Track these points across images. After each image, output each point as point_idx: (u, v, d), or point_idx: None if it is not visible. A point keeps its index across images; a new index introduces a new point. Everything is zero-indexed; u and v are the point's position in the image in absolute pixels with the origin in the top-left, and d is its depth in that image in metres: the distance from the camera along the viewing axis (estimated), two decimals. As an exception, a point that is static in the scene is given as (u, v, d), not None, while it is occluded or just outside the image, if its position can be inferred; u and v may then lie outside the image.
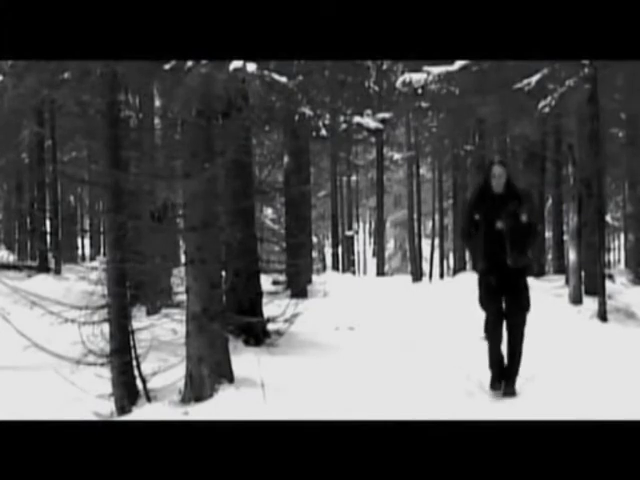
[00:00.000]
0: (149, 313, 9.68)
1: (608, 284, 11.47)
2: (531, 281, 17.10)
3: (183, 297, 6.48)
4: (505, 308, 5.86)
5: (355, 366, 7.20)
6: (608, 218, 28.53)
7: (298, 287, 12.81)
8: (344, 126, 19.03)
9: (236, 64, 5.45)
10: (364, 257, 40.30)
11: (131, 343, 6.72)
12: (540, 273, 17.58)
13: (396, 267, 38.02)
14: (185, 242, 6.57)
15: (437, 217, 28.11)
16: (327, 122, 16.70)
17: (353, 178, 34.24)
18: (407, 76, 14.65)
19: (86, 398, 6.59)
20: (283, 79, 6.80)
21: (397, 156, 29.20)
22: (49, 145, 18.17)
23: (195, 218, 6.16)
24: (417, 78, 14.13)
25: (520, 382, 6.01)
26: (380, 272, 24.00)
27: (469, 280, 16.36)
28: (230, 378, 6.18)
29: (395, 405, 5.47)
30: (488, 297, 5.87)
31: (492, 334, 5.90)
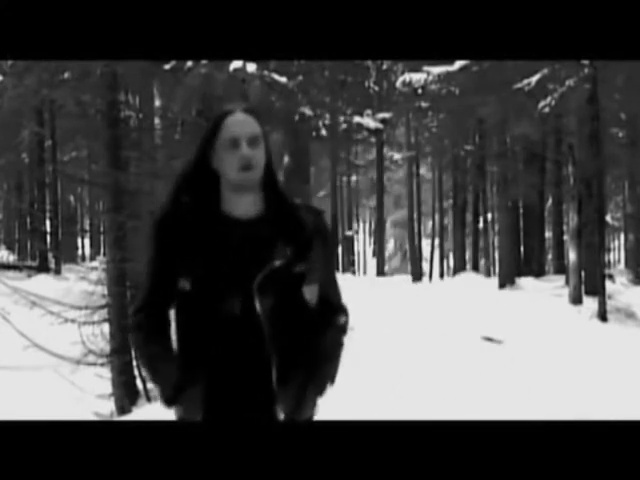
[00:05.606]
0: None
1: (608, 284, 11.49)
2: (531, 281, 16.92)
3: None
4: None
5: (355, 366, 7.20)
6: (608, 218, 28.55)
7: (298, 287, 12.80)
8: (344, 126, 19.04)
9: (236, 64, 5.47)
10: (364, 257, 40.34)
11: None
12: (540, 273, 17.62)
13: (396, 267, 38.04)
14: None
15: (437, 217, 28.17)
16: (327, 122, 16.71)
17: (353, 178, 34.32)
18: (407, 76, 14.70)
19: (86, 398, 6.60)
20: (283, 79, 6.81)
21: (397, 156, 29.24)
22: (49, 145, 18.22)
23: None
24: (417, 78, 14.18)
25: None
26: (380, 272, 24.04)
27: (469, 280, 16.39)
28: (230, 378, 6.18)
29: (395, 405, 5.48)
30: None
31: None
